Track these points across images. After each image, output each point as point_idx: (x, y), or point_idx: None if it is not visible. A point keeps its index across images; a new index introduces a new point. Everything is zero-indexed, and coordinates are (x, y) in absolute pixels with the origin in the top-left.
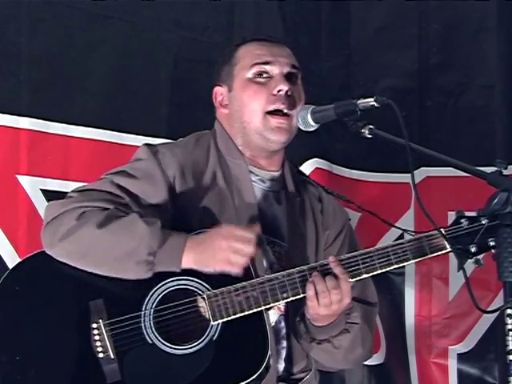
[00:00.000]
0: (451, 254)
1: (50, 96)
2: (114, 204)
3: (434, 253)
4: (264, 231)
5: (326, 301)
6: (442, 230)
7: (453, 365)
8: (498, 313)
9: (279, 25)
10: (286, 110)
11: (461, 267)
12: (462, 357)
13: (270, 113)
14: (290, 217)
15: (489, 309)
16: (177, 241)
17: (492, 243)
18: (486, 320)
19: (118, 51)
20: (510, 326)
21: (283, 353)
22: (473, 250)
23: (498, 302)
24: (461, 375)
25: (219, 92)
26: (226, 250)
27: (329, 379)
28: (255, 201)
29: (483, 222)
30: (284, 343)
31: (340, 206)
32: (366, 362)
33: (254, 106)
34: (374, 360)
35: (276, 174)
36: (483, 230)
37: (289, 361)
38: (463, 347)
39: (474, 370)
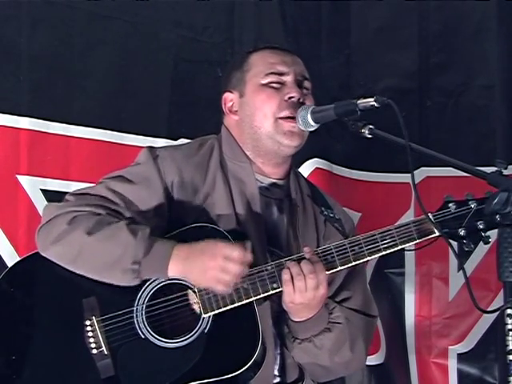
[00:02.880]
0: (451, 255)
1: (50, 96)
2: (107, 209)
3: (422, 237)
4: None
5: (301, 285)
6: (429, 214)
7: (453, 365)
8: (497, 313)
9: (279, 25)
10: None
11: (461, 267)
12: (461, 357)
13: (281, 118)
14: (291, 226)
15: (489, 309)
16: (163, 249)
17: (481, 226)
18: (486, 320)
19: (118, 51)
20: (510, 326)
21: (278, 359)
22: (461, 233)
23: (498, 301)
24: (461, 375)
25: (229, 98)
26: (215, 268)
27: None
28: (259, 202)
29: (471, 206)
30: (279, 349)
31: (346, 214)
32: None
33: (266, 109)
34: (374, 360)
35: (281, 182)
36: (472, 214)
37: (282, 369)
38: (463, 347)
39: (474, 369)
